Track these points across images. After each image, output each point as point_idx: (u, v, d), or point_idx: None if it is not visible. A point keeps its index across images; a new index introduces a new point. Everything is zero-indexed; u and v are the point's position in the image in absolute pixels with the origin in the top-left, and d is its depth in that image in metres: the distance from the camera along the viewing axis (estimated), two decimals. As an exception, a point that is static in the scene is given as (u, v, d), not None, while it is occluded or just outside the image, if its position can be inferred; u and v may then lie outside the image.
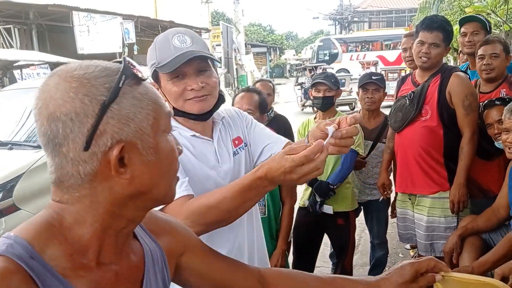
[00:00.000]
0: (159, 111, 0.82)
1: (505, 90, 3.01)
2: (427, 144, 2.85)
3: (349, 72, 24.15)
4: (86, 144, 0.73)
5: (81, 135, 0.73)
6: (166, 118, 0.84)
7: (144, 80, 0.81)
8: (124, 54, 13.73)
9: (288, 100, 20.43)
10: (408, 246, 4.29)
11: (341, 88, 3.43)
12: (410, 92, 2.92)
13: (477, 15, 3.71)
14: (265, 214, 2.42)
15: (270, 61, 42.73)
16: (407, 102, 2.90)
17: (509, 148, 2.45)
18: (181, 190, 1.35)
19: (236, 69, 23.61)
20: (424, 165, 2.88)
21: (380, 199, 3.45)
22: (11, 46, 11.50)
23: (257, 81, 3.94)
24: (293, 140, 3.42)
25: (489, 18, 8.41)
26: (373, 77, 3.48)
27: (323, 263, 4.17)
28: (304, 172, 1.08)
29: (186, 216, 1.27)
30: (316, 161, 1.07)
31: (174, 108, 1.53)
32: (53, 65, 11.13)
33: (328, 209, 3.18)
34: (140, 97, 0.79)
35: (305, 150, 1.07)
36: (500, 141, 2.52)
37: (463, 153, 2.75)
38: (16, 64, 9.07)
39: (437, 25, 2.84)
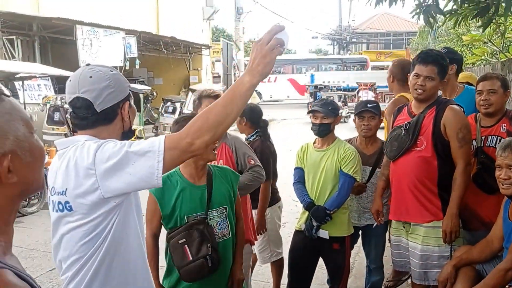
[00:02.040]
0: (25, 118, 1.01)
1: (505, 124, 3.08)
2: (422, 174, 2.92)
3: (260, 94, 25.11)
4: None
5: None
6: (29, 122, 1.03)
7: (8, 96, 1.00)
8: (125, 68, 13.86)
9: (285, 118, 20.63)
10: None
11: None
12: (406, 122, 3.00)
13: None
14: (229, 235, 2.48)
15: (273, 64, 42.89)
16: (403, 132, 2.98)
17: (502, 184, 2.53)
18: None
19: (235, 85, 23.67)
20: (418, 194, 2.94)
21: (374, 225, 3.50)
22: (13, 57, 11.58)
23: None
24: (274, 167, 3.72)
25: (485, 47, 8.61)
26: (368, 105, 3.58)
27: (317, 286, 4.20)
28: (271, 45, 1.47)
29: (193, 133, 1.47)
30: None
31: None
32: (54, 78, 11.23)
33: (324, 233, 3.24)
34: (10, 111, 0.97)
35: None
36: None
37: (456, 184, 2.82)
38: (18, 75, 9.14)
39: (432, 59, 2.93)
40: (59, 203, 1.59)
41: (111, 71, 1.70)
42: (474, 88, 3.37)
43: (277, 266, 3.98)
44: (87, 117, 1.64)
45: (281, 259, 3.94)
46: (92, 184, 1.49)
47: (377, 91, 19.93)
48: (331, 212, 3.18)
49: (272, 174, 3.61)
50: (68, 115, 9.11)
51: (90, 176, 1.49)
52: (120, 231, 1.60)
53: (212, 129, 1.48)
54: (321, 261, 3.49)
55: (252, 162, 3.04)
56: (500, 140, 3.00)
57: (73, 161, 1.54)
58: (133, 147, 1.49)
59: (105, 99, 1.63)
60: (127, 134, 1.77)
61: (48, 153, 7.73)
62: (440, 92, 3.38)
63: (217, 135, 1.51)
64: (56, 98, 10.13)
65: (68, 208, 1.57)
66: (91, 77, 1.64)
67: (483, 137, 3.11)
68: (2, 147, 0.94)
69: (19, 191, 1.00)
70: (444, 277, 2.75)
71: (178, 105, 14.99)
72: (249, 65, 1.50)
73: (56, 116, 9.92)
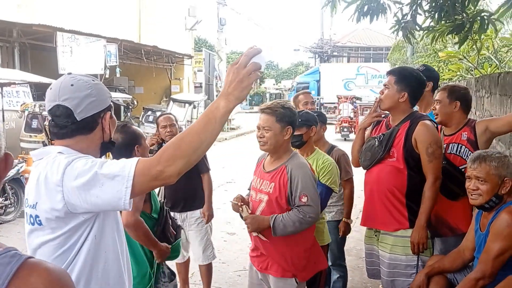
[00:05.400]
0: None
1: (466, 133, 3.24)
2: (392, 184, 3.00)
3: None
4: None
5: None
6: None
7: None
8: (105, 76, 13.77)
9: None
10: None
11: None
12: (380, 134, 3.11)
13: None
14: None
15: (250, 89, 43.08)
16: (376, 143, 3.08)
17: (471, 195, 2.62)
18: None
19: (217, 95, 23.75)
20: (387, 203, 3.02)
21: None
22: (-8, 63, 11.42)
23: (300, 93, 4.54)
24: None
25: (461, 63, 8.85)
26: (299, 120, 3.34)
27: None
28: (248, 69, 1.43)
29: (165, 160, 1.43)
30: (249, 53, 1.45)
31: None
32: (34, 85, 11.10)
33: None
34: None
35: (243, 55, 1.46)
36: None
37: (425, 197, 2.90)
38: (-4, 81, 9.00)
39: (392, 70, 3.18)
40: (31, 216, 1.58)
41: (93, 80, 1.68)
42: None
43: (208, 269, 4.22)
44: (67, 125, 1.62)
45: (211, 263, 4.26)
46: (60, 200, 1.47)
47: (355, 104, 20.39)
48: (308, 222, 3.22)
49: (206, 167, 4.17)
50: (46, 123, 9.01)
51: (57, 192, 1.48)
52: (95, 249, 1.57)
53: (184, 156, 1.43)
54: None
55: (304, 200, 2.68)
56: (460, 148, 3.18)
57: (43, 176, 1.53)
58: (104, 169, 1.45)
59: (86, 107, 1.61)
60: (107, 145, 1.74)
61: (25, 160, 7.62)
62: (417, 108, 3.50)
63: (190, 162, 1.45)
64: (35, 105, 10.00)
65: (38, 222, 1.55)
66: (72, 85, 1.62)
67: (445, 145, 3.26)
68: None
69: None
70: (416, 285, 2.82)
71: (158, 114, 14.90)
72: (225, 89, 1.45)
73: (34, 124, 9.78)
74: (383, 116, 3.28)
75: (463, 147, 3.20)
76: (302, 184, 2.68)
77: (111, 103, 1.74)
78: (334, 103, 23.85)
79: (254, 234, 2.81)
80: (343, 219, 3.84)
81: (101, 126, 1.68)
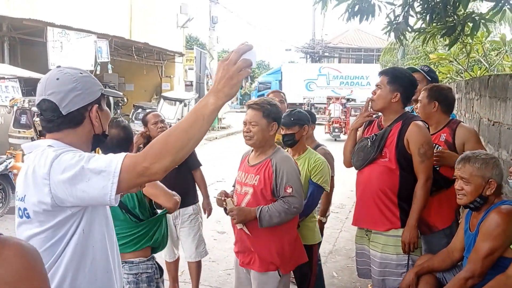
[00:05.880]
0: None
1: (445, 134, 3.29)
2: (384, 184, 3.03)
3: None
4: None
5: None
6: None
7: None
8: (96, 72, 13.67)
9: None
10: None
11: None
12: (373, 134, 3.12)
13: (417, 68, 4.02)
14: None
15: (241, 88, 43.06)
16: (369, 144, 3.10)
17: (458, 195, 2.66)
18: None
19: (207, 94, 23.65)
20: (379, 203, 3.04)
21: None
22: (-19, 57, 11.29)
23: (270, 92, 4.57)
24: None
25: (451, 66, 8.93)
26: (292, 119, 3.44)
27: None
28: (238, 66, 1.40)
29: (151, 157, 1.41)
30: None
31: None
32: (23, 80, 10.99)
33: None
34: None
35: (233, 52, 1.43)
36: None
37: (416, 197, 2.93)
38: (-16, 76, 8.90)
39: (384, 70, 3.18)
40: (19, 209, 1.58)
41: (81, 73, 1.66)
42: None
43: (198, 266, 4.23)
44: (53, 119, 1.61)
45: (201, 260, 4.27)
46: (47, 193, 1.47)
47: (346, 105, 20.61)
48: (299, 220, 3.24)
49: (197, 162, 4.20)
50: (36, 119, 8.92)
51: (44, 185, 1.47)
52: (83, 244, 1.57)
53: (171, 154, 1.41)
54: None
55: (289, 191, 2.78)
56: (437, 148, 3.22)
57: (32, 169, 1.52)
58: (91, 163, 1.44)
59: (71, 101, 1.60)
60: (100, 138, 1.73)
61: (14, 156, 7.54)
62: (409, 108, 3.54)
63: (177, 160, 1.44)
64: (24, 101, 9.89)
65: (26, 215, 1.55)
66: (58, 79, 1.61)
67: None
68: None
69: None
70: (406, 284, 2.85)
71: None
72: (215, 86, 1.43)
73: (23, 119, 9.67)
74: (374, 116, 3.30)
75: (440, 148, 3.24)
76: (288, 176, 2.78)
77: (102, 95, 1.72)
78: (324, 103, 24.07)
79: (239, 226, 2.86)
80: (318, 217, 3.82)
81: (89, 119, 1.66)
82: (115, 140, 2.57)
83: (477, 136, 3.42)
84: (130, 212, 2.66)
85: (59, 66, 1.70)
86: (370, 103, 3.19)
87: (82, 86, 1.62)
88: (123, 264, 2.57)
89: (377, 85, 3.11)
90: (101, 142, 1.77)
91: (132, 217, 2.66)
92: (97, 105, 1.68)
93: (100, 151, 2.36)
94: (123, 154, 1.45)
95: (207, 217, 4.19)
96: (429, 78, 3.81)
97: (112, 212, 2.52)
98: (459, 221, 3.20)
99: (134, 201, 2.67)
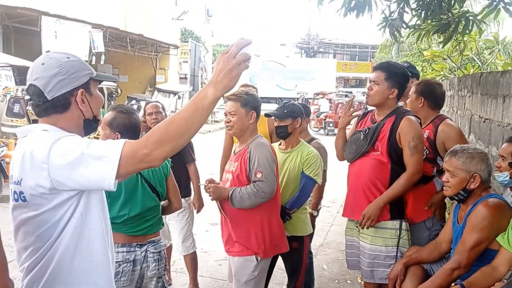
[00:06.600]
0: None
1: (429, 131, 3.33)
2: (375, 176, 3.07)
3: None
4: None
5: None
6: None
7: None
8: (91, 62, 13.61)
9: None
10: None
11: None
12: (366, 128, 3.16)
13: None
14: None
15: (239, 79, 43.11)
16: (362, 137, 3.14)
17: (444, 186, 2.74)
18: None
19: (202, 87, 23.65)
20: (370, 195, 3.09)
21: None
22: (-26, 45, 11.20)
23: (242, 85, 4.36)
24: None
25: (444, 63, 9.00)
26: (285, 111, 3.47)
27: (275, 285, 4.30)
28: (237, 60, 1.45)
29: (151, 144, 1.45)
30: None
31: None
32: (16, 68, 10.93)
33: (283, 232, 3.32)
34: None
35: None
36: (498, 173, 2.79)
37: (397, 183, 2.99)
38: (-22, 64, 8.84)
39: (380, 65, 3.19)
40: (15, 192, 1.59)
41: (68, 57, 1.65)
42: None
43: (192, 259, 4.22)
44: (39, 104, 1.62)
45: (195, 252, 4.24)
46: (45, 177, 1.49)
47: (332, 100, 21.00)
48: (291, 212, 3.28)
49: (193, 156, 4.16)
50: (29, 107, 8.88)
51: (43, 169, 1.48)
52: (81, 227, 1.59)
53: (171, 141, 1.46)
54: (279, 262, 3.57)
55: (259, 176, 2.87)
56: None
57: (29, 152, 1.52)
58: (90, 149, 1.46)
59: (55, 87, 1.60)
60: (90, 122, 1.71)
61: (6, 145, 7.52)
62: (401, 103, 3.56)
63: (177, 147, 1.49)
64: (17, 90, 9.86)
65: (22, 198, 1.56)
66: (43, 64, 1.61)
67: None
68: None
69: None
70: (394, 274, 2.90)
71: (143, 103, 14.80)
72: (214, 77, 1.48)
73: (16, 108, 9.64)
74: (358, 112, 3.37)
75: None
76: (258, 161, 2.89)
77: (93, 80, 1.70)
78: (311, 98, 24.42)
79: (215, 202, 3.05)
80: (309, 210, 3.82)
81: (76, 105, 1.65)
82: (132, 125, 2.68)
83: (460, 135, 3.35)
84: (151, 186, 2.76)
85: (48, 51, 1.71)
86: (352, 101, 3.31)
87: (66, 71, 1.61)
88: (148, 244, 2.70)
89: (373, 81, 3.12)
90: (93, 127, 1.75)
91: (153, 192, 2.77)
92: (83, 90, 1.66)
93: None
94: (123, 140, 1.48)
95: (197, 213, 4.17)
96: (409, 73, 3.84)
97: (148, 196, 2.71)
98: (448, 213, 3.26)
99: (159, 178, 2.83)
